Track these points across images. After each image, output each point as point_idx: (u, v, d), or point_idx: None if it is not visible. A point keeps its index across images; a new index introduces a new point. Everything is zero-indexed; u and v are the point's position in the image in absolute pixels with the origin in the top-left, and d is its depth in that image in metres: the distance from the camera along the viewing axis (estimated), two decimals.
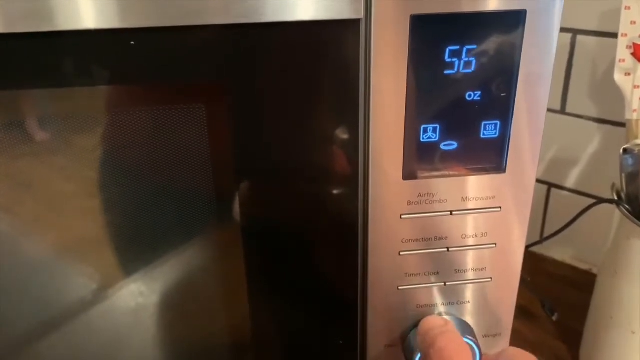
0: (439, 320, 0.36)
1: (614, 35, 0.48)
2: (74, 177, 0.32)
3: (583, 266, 0.71)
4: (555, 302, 0.62)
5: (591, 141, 0.65)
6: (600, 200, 0.50)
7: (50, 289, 0.35)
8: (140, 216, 0.33)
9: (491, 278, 0.36)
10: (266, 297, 0.36)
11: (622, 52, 0.48)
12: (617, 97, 0.50)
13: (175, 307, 0.36)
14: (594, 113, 0.64)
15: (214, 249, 0.35)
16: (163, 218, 0.33)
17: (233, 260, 0.34)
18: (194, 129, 0.30)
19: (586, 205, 0.59)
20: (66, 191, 0.32)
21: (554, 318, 0.60)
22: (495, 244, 0.34)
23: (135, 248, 0.34)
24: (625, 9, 0.47)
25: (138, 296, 0.36)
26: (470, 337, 0.35)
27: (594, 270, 0.70)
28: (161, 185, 0.32)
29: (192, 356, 0.38)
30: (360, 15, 0.27)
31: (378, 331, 0.36)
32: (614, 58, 0.49)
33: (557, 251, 0.72)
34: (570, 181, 0.69)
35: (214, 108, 0.30)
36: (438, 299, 0.36)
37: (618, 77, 0.48)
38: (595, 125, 0.64)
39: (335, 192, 0.32)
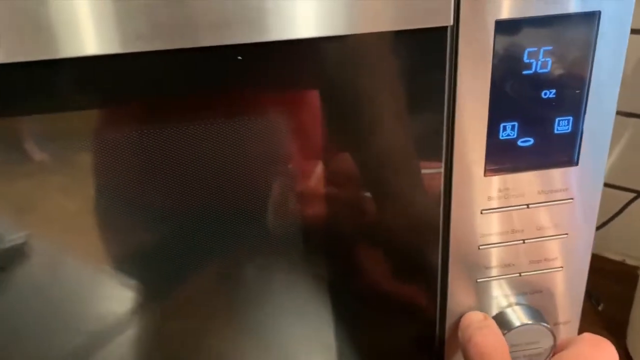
0: (479, 315, 0.37)
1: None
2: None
3: (621, 258, 0.73)
4: (600, 293, 0.64)
5: (622, 134, 0.67)
6: None
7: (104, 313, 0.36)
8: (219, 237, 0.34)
9: (562, 267, 0.37)
10: (347, 304, 0.37)
11: None
12: None
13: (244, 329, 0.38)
14: (623, 107, 0.66)
15: (296, 259, 0.36)
16: (246, 236, 0.35)
17: (315, 268, 0.36)
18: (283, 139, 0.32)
19: (621, 198, 0.61)
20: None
21: (600, 308, 0.62)
22: (567, 234, 0.36)
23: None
24: None
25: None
26: (544, 324, 0.37)
27: (628, 262, 0.72)
28: (240, 200, 0.34)
29: None
30: (450, 22, 0.29)
31: (455, 323, 0.38)
32: None
33: (597, 245, 0.74)
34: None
35: (305, 117, 0.32)
36: (512, 289, 0.38)
37: None
38: (624, 119, 0.66)
39: (418, 190, 0.34)
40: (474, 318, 0.36)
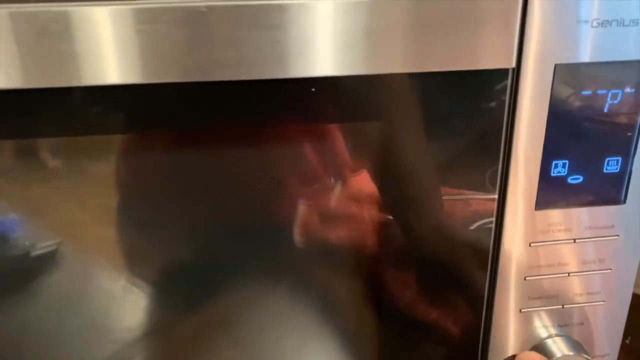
0: (536, 356, 0.38)
1: None
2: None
3: None
4: (627, 327, 0.64)
5: None
6: None
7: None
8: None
9: (604, 301, 0.38)
10: (390, 332, 0.39)
11: None
12: None
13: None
14: None
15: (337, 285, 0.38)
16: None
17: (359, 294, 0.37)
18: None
19: None
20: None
21: (627, 341, 0.62)
22: (611, 269, 0.37)
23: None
24: None
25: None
26: (586, 356, 0.38)
27: None
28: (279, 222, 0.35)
29: None
30: (512, 64, 0.31)
31: (498, 351, 0.39)
32: None
33: None
34: None
35: (371, 147, 0.33)
36: (555, 320, 0.39)
37: None
38: None
39: (470, 220, 0.35)
40: (532, 357, 0.37)
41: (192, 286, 0.36)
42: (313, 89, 0.30)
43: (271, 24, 0.28)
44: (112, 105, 0.30)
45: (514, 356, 0.39)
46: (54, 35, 0.27)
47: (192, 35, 0.28)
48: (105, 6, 0.27)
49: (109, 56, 0.28)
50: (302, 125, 0.32)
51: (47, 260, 0.34)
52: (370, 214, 0.35)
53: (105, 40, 0.28)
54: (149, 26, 0.28)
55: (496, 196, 0.34)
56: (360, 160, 0.34)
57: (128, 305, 0.36)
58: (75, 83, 0.28)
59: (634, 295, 0.73)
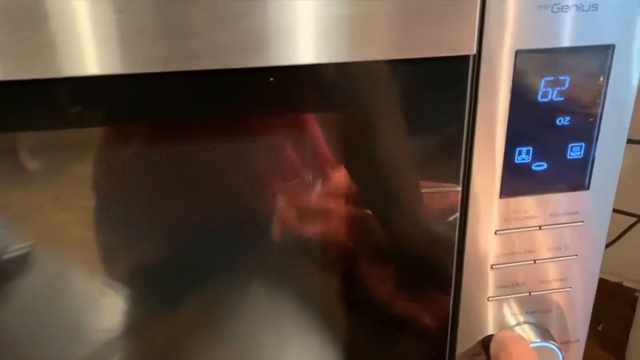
0: (515, 333, 0.38)
1: None
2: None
3: (619, 280, 0.75)
4: (599, 314, 0.65)
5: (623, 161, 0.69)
6: None
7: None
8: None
9: (571, 287, 0.39)
10: (357, 322, 0.38)
11: None
12: None
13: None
14: None
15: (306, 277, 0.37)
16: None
17: (325, 286, 0.37)
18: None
19: (622, 222, 0.62)
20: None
21: (600, 328, 0.63)
22: (577, 255, 0.37)
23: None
24: None
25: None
26: (553, 342, 0.38)
27: (626, 284, 0.74)
28: (255, 216, 0.35)
29: None
30: (472, 51, 0.30)
31: (467, 340, 0.39)
32: None
33: None
34: None
35: (329, 137, 0.33)
36: (523, 308, 0.39)
37: None
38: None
39: (435, 209, 0.35)
40: (510, 334, 0.38)
41: (169, 285, 0.36)
42: (271, 79, 0.30)
43: (250, 10, 0.28)
44: (88, 97, 0.29)
45: (490, 336, 0.39)
46: (30, 26, 0.26)
47: (170, 23, 0.27)
48: None
49: (87, 46, 0.27)
50: (268, 116, 0.32)
51: (20, 263, 0.33)
52: (339, 206, 0.35)
53: (83, 30, 0.27)
54: (127, 15, 0.27)
55: (460, 185, 0.34)
56: (324, 153, 0.33)
57: (105, 306, 0.36)
58: (54, 74, 0.27)
59: (606, 282, 0.74)
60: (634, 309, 0.59)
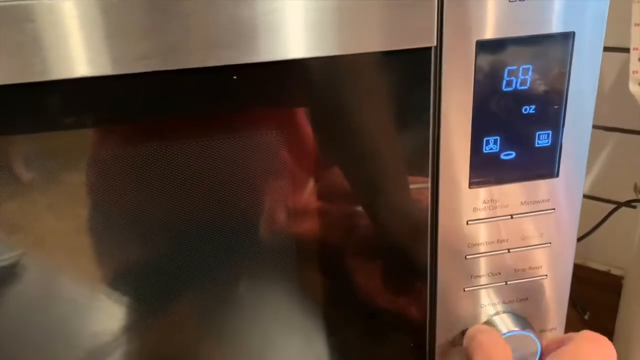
0: (486, 326, 0.39)
1: (621, 50, 0.53)
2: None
3: (606, 269, 0.75)
4: (586, 303, 0.65)
5: (603, 148, 0.70)
6: (626, 203, 0.54)
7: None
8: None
9: (547, 275, 0.39)
10: (338, 316, 0.38)
11: (635, 64, 0.52)
12: (625, 105, 0.54)
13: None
14: (603, 122, 0.68)
15: (288, 272, 0.38)
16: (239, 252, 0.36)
17: (306, 281, 0.37)
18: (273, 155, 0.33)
19: (604, 209, 0.63)
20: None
21: (586, 317, 0.63)
22: (550, 243, 0.38)
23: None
24: (635, 25, 0.51)
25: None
26: (530, 331, 0.38)
27: (613, 272, 0.74)
28: (239, 214, 0.35)
29: None
30: (433, 43, 0.31)
31: (446, 331, 0.39)
32: (622, 70, 0.54)
33: (583, 255, 0.76)
34: (585, 187, 0.73)
35: (294, 133, 0.33)
36: (499, 297, 0.39)
37: (633, 87, 0.52)
38: (605, 133, 0.69)
39: (406, 203, 0.35)
40: (482, 327, 0.38)
41: (159, 288, 0.36)
42: (234, 77, 0.30)
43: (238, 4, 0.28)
44: (75, 99, 0.29)
45: (464, 332, 0.39)
46: (17, 29, 0.27)
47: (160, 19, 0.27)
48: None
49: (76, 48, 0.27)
50: (237, 112, 0.32)
51: (13, 270, 0.33)
52: (309, 202, 0.35)
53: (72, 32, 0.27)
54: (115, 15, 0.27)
55: (429, 176, 0.34)
56: (295, 147, 0.34)
57: (95, 311, 0.36)
58: (44, 78, 0.28)
59: (590, 270, 0.75)
60: (620, 297, 0.60)
